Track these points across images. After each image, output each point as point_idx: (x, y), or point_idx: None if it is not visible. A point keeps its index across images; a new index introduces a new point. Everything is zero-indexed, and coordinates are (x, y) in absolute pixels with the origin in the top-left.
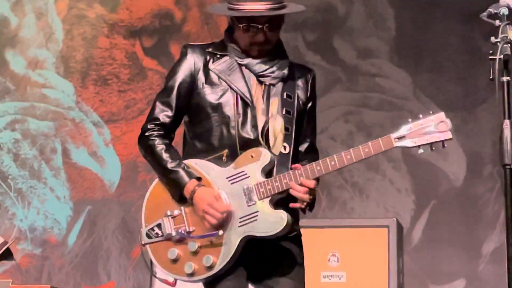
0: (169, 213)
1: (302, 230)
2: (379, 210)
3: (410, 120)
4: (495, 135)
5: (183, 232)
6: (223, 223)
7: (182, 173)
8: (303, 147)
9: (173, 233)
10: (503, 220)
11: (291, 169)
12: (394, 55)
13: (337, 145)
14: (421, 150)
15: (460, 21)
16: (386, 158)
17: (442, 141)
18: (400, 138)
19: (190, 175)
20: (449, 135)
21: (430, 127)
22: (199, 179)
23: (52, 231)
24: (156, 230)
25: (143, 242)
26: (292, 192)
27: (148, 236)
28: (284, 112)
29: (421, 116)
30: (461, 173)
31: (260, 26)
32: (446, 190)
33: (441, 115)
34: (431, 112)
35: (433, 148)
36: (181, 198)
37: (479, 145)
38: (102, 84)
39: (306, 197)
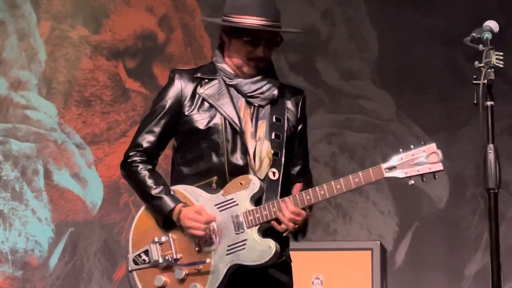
0: (156, 239)
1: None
2: (362, 232)
3: (401, 150)
4: (478, 157)
5: (170, 259)
6: (212, 237)
7: (166, 198)
8: (295, 171)
9: (160, 260)
10: (485, 242)
11: (280, 196)
12: (377, 77)
13: (320, 166)
14: (411, 181)
15: (443, 43)
16: None
17: (433, 173)
18: (391, 168)
19: (174, 200)
20: (440, 166)
21: (421, 158)
22: (184, 204)
23: (34, 253)
24: (143, 256)
25: (129, 269)
26: (278, 215)
27: (135, 262)
28: (273, 136)
29: (412, 146)
30: (443, 195)
31: (262, 41)
32: (429, 212)
33: (433, 146)
34: (422, 143)
35: (424, 180)
36: (165, 224)
37: (462, 167)
38: (84, 105)
39: (291, 225)
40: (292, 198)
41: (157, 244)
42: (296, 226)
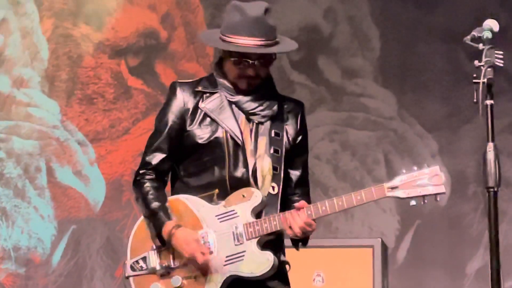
0: (155, 246)
1: (287, 250)
2: (364, 229)
3: (404, 171)
4: (480, 155)
5: (167, 266)
6: (210, 248)
7: (160, 214)
8: (292, 181)
9: (158, 267)
10: (487, 240)
11: (280, 209)
12: (379, 75)
13: (322, 164)
14: (413, 202)
15: (445, 41)
16: (371, 178)
17: (435, 195)
18: (393, 188)
19: (168, 216)
20: (442, 189)
21: (424, 180)
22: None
23: (36, 251)
24: (141, 263)
25: (126, 275)
26: (291, 222)
27: (133, 268)
28: (272, 151)
29: (415, 168)
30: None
31: (251, 61)
32: (431, 210)
33: (436, 168)
34: (426, 165)
35: (426, 201)
36: (159, 239)
37: (463, 165)
38: (87, 103)
39: (299, 232)
40: (306, 209)
41: (156, 251)
42: (303, 235)
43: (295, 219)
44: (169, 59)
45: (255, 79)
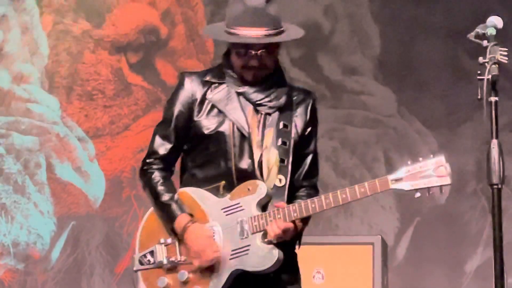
0: (162, 240)
1: None
2: (364, 227)
3: (409, 162)
4: (479, 152)
5: (174, 260)
6: (217, 242)
7: (174, 206)
8: (300, 173)
9: (165, 261)
10: (486, 238)
11: (287, 202)
12: (379, 73)
13: (321, 161)
14: (418, 194)
15: (444, 39)
16: (371, 176)
17: (440, 186)
18: (397, 180)
19: (182, 209)
20: (447, 180)
21: (429, 171)
22: (190, 215)
23: (36, 246)
24: (149, 257)
25: (135, 269)
26: (267, 227)
27: (141, 262)
28: (279, 143)
29: (420, 159)
30: None
31: (254, 52)
32: (430, 208)
33: (441, 159)
34: (431, 155)
35: (430, 192)
36: (173, 232)
37: (463, 162)
38: (87, 99)
39: (273, 237)
40: (297, 206)
41: (163, 245)
42: (281, 240)
43: (271, 225)
44: (169, 55)
45: (260, 70)
